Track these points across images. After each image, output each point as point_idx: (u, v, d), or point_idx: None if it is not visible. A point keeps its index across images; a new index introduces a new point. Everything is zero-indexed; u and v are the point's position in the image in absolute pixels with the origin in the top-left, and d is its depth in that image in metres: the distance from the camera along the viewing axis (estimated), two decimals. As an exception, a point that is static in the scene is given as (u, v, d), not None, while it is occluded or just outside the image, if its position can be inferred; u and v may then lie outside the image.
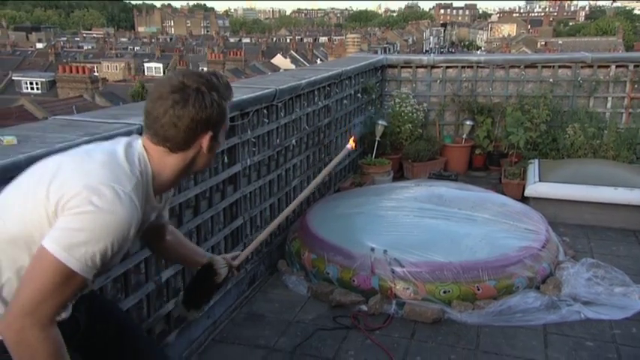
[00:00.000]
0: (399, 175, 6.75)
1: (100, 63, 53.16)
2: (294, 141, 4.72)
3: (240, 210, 3.89)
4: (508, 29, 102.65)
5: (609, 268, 4.19)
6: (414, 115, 6.93)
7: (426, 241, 4.20)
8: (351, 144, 2.26)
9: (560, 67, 7.00)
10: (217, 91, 1.66)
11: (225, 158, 3.62)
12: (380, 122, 6.55)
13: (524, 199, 5.45)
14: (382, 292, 3.82)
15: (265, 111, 4.09)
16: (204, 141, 1.68)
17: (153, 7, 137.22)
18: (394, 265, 3.84)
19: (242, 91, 3.94)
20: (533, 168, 5.89)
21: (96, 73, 38.44)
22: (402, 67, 7.46)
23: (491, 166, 7.04)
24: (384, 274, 3.84)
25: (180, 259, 2.40)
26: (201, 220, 3.41)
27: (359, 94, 6.51)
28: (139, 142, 1.69)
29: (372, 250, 3.97)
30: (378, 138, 6.55)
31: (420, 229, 4.41)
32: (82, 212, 1.45)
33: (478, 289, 3.77)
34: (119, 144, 1.66)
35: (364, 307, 3.75)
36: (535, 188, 5.44)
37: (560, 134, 6.48)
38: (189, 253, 2.24)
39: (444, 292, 3.75)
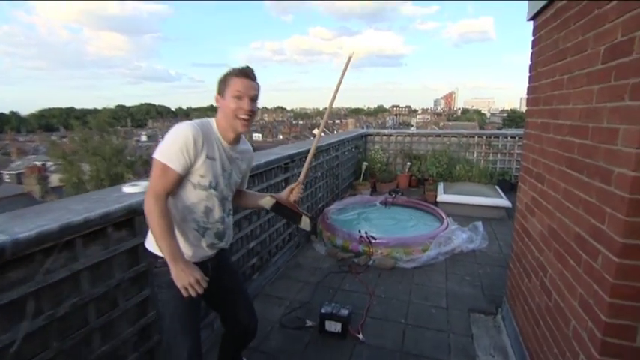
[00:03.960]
0: (374, 190, 6.57)
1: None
2: (319, 174, 4.62)
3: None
4: (426, 117, 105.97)
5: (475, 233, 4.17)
6: (382, 159, 6.86)
7: (388, 228, 4.10)
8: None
9: (452, 137, 6.99)
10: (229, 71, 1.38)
11: (283, 184, 3.48)
12: (364, 163, 6.44)
13: (436, 203, 5.30)
14: (364, 253, 3.70)
15: (304, 159, 3.93)
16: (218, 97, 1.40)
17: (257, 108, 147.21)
18: (371, 239, 3.73)
19: (292, 149, 3.86)
20: (441, 187, 5.75)
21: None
22: (375, 135, 7.38)
23: (420, 185, 6.85)
24: (365, 243, 3.73)
25: (250, 202, 1.70)
26: (269, 216, 3.29)
27: (353, 149, 6.42)
28: None
29: (359, 231, 3.87)
30: (363, 171, 6.41)
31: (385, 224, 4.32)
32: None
33: (413, 251, 3.65)
34: None
35: (356, 260, 3.63)
36: (442, 197, 5.28)
37: (453, 170, 6.38)
38: (257, 198, 1.68)
39: (397, 253, 3.63)
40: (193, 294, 1.22)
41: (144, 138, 48.21)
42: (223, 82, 1.38)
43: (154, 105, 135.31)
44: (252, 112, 1.38)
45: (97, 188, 15.94)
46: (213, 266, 1.54)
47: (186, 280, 1.22)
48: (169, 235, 1.24)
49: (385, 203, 5.28)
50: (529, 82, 2.19)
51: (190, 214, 1.38)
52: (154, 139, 44.73)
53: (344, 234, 3.91)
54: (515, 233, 2.43)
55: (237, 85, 1.36)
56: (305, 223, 1.59)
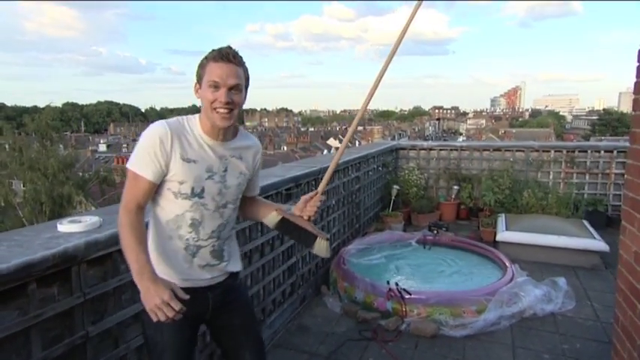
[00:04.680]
0: (408, 223, 6.50)
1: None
2: (333, 201, 4.55)
3: (294, 252, 3.72)
4: (480, 122, 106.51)
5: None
6: (418, 181, 6.87)
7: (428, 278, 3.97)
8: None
9: (516, 150, 6.95)
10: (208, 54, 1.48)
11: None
12: (394, 187, 6.43)
13: (495, 243, 5.16)
14: (395, 313, 3.57)
15: (313, 182, 3.92)
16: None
17: (255, 110, 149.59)
18: (404, 293, 3.60)
19: (297, 169, 3.84)
20: (502, 220, 5.63)
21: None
22: (409, 149, 7.42)
23: (472, 217, 6.79)
24: (396, 299, 3.60)
25: (259, 214, 1.78)
26: (265, 261, 3.26)
27: (380, 168, 6.41)
28: None
29: (388, 282, 3.75)
30: (393, 197, 6.39)
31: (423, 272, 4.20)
32: None
33: (463, 313, 3.48)
34: None
35: (382, 323, 3.50)
36: (504, 235, 5.16)
37: (518, 197, 6.29)
38: (267, 210, 1.74)
39: (440, 314, 3.48)
40: (163, 319, 1.29)
41: (102, 147, 49.24)
42: (201, 68, 1.48)
43: (118, 104, 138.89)
44: (234, 104, 1.47)
45: (33, 215, 15.73)
46: (217, 300, 1.63)
47: (151, 301, 1.30)
48: (138, 248, 1.37)
49: (424, 242, 5.19)
50: (638, 76, 2.07)
51: (176, 229, 1.52)
52: (117, 149, 45.41)
53: (366, 285, 3.81)
54: (619, 295, 2.26)
55: (214, 71, 1.44)
56: (321, 247, 1.63)
